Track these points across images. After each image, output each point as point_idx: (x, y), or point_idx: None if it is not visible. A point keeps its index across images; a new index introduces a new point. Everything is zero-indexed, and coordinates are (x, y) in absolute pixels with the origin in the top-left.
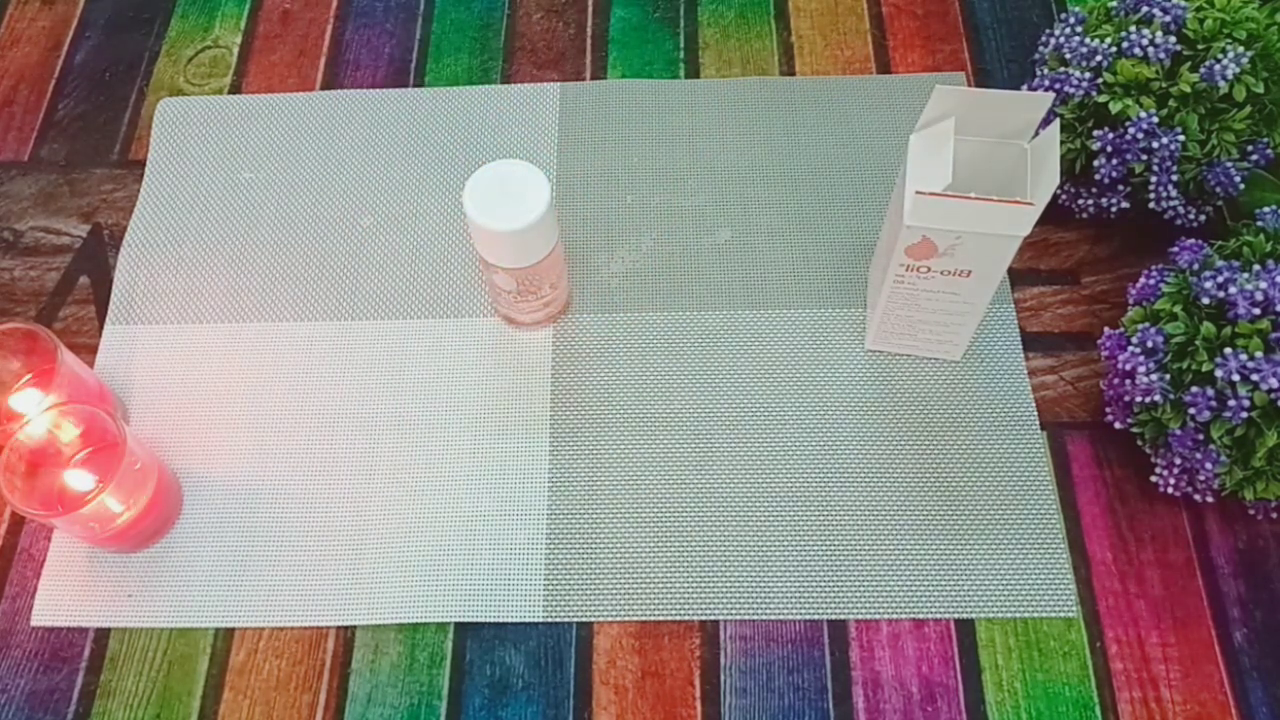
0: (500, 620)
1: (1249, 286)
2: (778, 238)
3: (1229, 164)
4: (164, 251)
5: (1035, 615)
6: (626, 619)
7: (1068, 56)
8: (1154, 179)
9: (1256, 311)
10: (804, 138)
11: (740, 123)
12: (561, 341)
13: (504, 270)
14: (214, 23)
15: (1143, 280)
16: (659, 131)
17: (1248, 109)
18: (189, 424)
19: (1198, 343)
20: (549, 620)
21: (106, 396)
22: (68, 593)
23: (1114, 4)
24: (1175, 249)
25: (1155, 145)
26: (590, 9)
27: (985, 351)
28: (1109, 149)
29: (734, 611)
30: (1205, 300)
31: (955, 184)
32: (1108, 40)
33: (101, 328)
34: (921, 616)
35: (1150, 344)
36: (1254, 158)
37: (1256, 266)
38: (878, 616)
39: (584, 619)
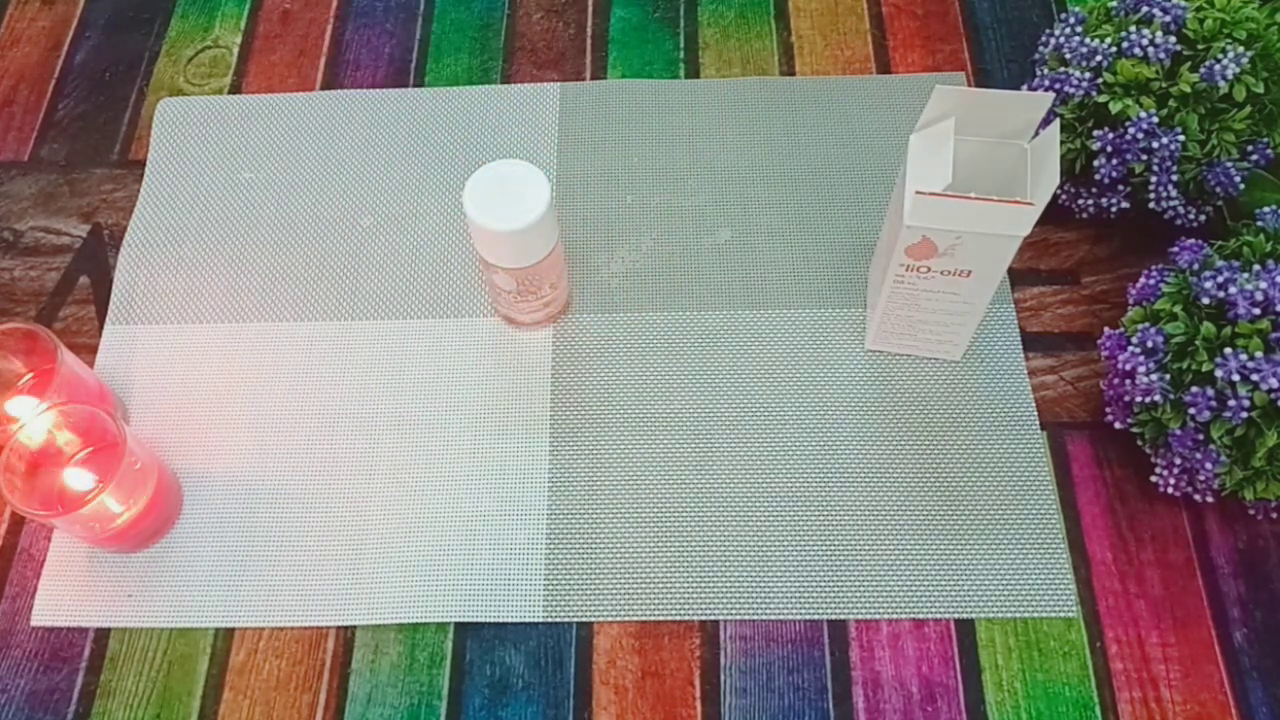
0: (500, 620)
1: (1249, 286)
2: (778, 238)
3: (1229, 164)
4: (164, 251)
5: (1035, 615)
6: (626, 619)
7: (1068, 56)
8: (1154, 179)
9: (1256, 311)
10: (804, 138)
11: (740, 123)
12: (561, 341)
13: (504, 270)
14: (214, 23)
15: (1143, 280)
16: (659, 131)
17: (1248, 109)
18: (189, 424)
19: (1198, 343)
20: (549, 620)
21: (106, 396)
22: (68, 593)
23: (1114, 4)
24: (1175, 249)
25: (1155, 145)
26: (590, 9)
27: (985, 351)
28: (1109, 149)
29: (734, 611)
30: (1205, 300)
31: (955, 184)
32: (1108, 40)
33: (101, 328)
34: (921, 616)
35: (1150, 344)
36: (1254, 158)
37: (1256, 266)
38: (878, 616)
39: (584, 619)
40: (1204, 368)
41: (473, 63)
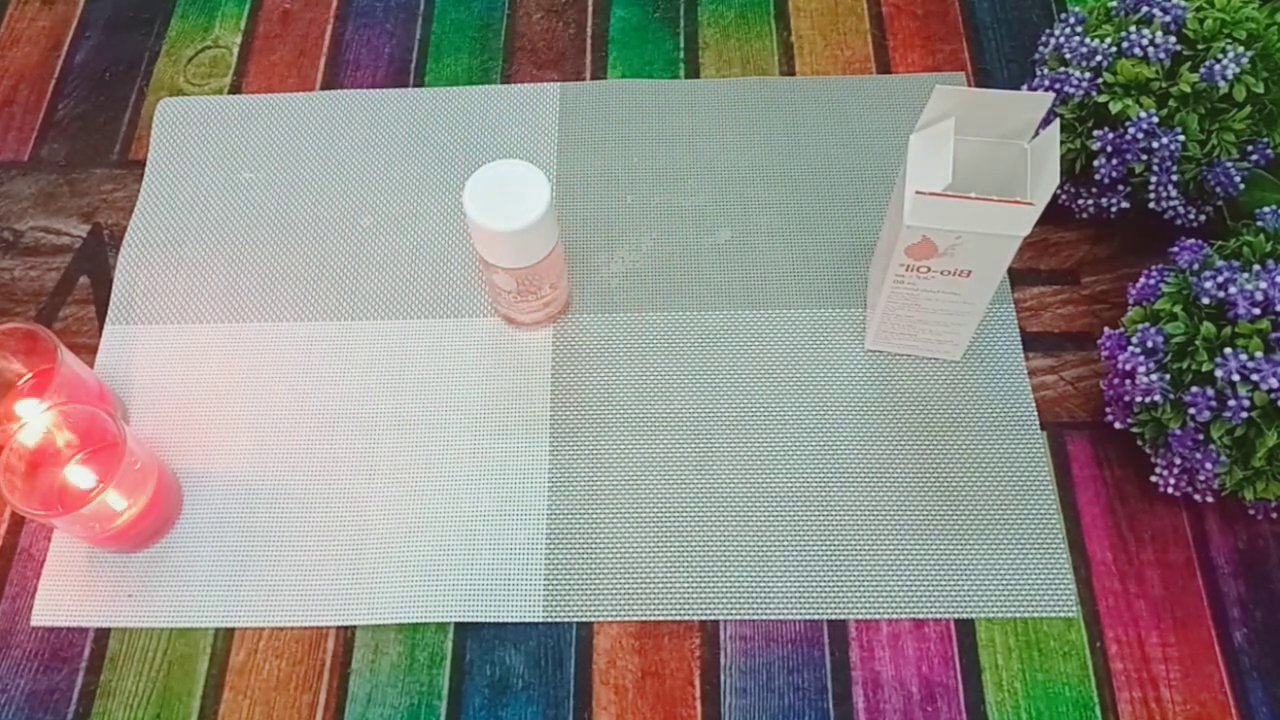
0: (500, 620)
1: (1249, 286)
2: (778, 238)
3: (1229, 164)
4: (164, 251)
5: (1035, 615)
6: (626, 619)
7: (1068, 56)
8: (1154, 179)
9: (1256, 311)
10: (804, 138)
11: (740, 123)
12: (561, 341)
13: (504, 270)
14: (214, 23)
15: (1143, 280)
16: (659, 131)
17: (1248, 109)
18: (189, 424)
19: (1198, 343)
20: (549, 620)
21: (106, 396)
22: (68, 593)
23: (1114, 4)
24: (1175, 249)
25: (1155, 145)
26: (590, 9)
27: (985, 351)
28: (1109, 149)
29: (734, 611)
30: (1205, 300)
31: (955, 184)
32: (1108, 40)
33: (101, 328)
34: (921, 616)
35: (1150, 344)
36: (1254, 158)
37: (1256, 266)
38: (878, 616)
39: (584, 619)
40: (1204, 368)
41: (473, 63)
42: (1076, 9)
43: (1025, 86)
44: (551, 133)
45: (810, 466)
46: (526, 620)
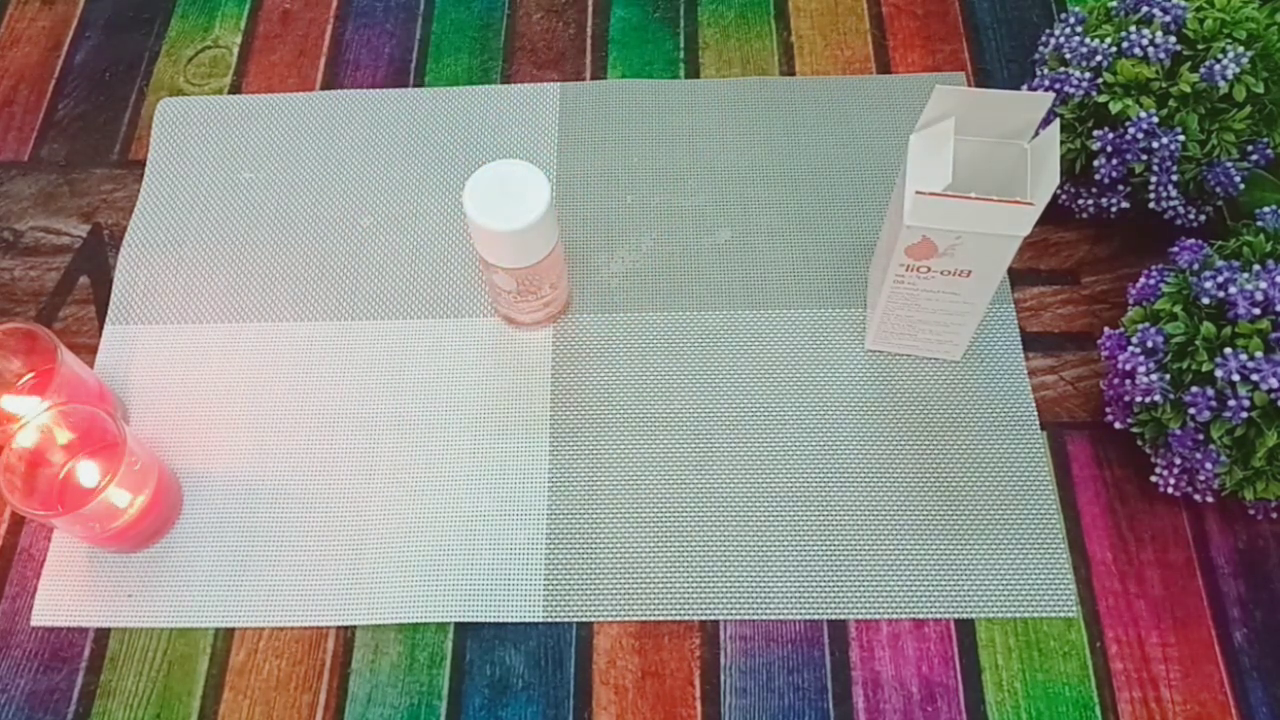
0: (500, 620)
1: (1249, 286)
2: (778, 238)
3: (1229, 164)
4: (164, 251)
5: (1035, 615)
6: (626, 619)
7: (1068, 56)
8: (1154, 179)
9: (1256, 311)
10: (804, 138)
11: (740, 123)
12: (561, 341)
13: (504, 270)
14: (214, 23)
15: (1143, 280)
16: (659, 131)
17: (1248, 109)
18: (189, 424)
19: (1198, 343)
20: (549, 620)
21: (106, 396)
22: (68, 593)
23: (1114, 4)
24: (1175, 249)
25: (1155, 145)
26: (590, 9)
27: (985, 351)
28: (1109, 149)
29: (734, 611)
30: (1205, 300)
31: (955, 184)
32: (1108, 40)
33: (101, 328)
34: (921, 616)
35: (1150, 344)
36: (1254, 158)
37: (1256, 266)
38: (878, 616)
39: (584, 619)
40: (1204, 368)
41: (473, 63)
42: (1076, 9)
43: (1025, 86)
44: (551, 133)
45: (810, 466)
46: (526, 620)
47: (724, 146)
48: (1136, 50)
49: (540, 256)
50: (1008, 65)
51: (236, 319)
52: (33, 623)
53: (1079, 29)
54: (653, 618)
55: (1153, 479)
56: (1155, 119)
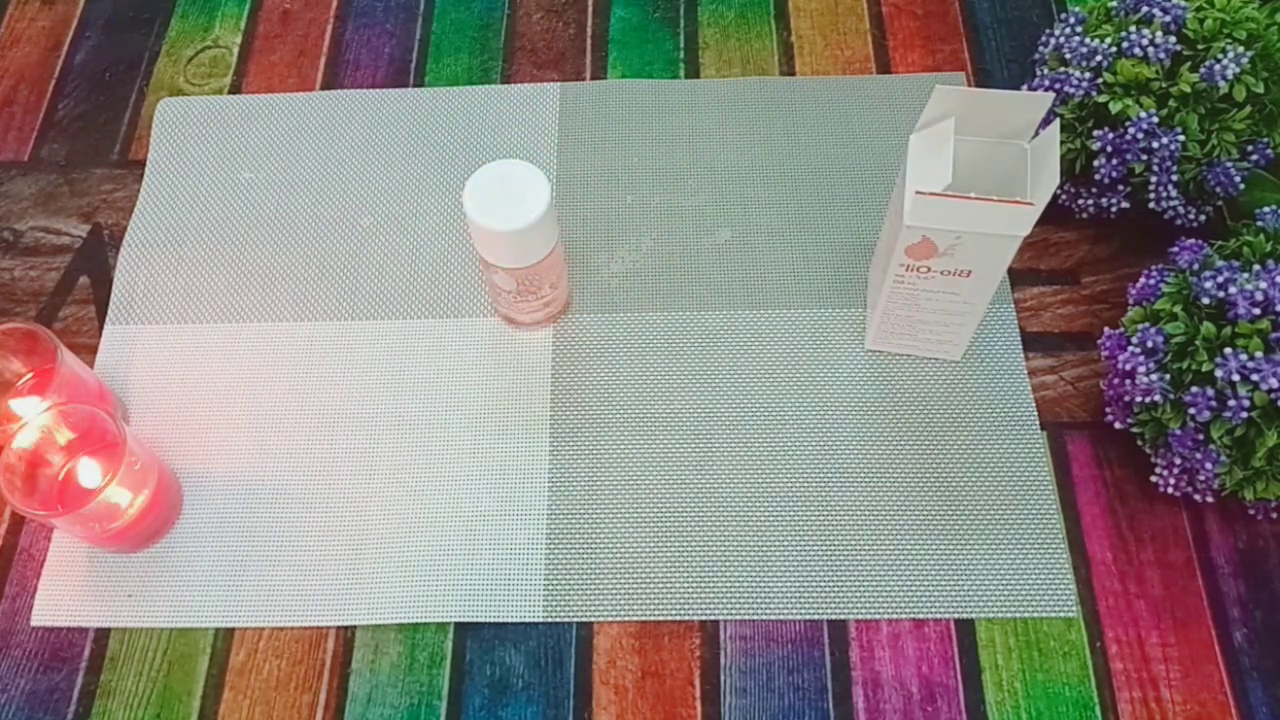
0: (500, 620)
1: (1249, 286)
2: (778, 238)
3: (1229, 164)
4: (164, 251)
5: (1035, 615)
6: (626, 619)
7: (1068, 56)
8: (1154, 179)
9: (1256, 311)
10: (804, 138)
11: (740, 123)
12: (561, 341)
13: (504, 270)
14: (214, 23)
15: (1143, 280)
16: (659, 131)
17: (1248, 109)
18: (189, 424)
19: (1198, 343)
20: (549, 620)
21: (106, 396)
22: (68, 593)
23: (1114, 4)
24: (1175, 249)
25: (1155, 145)
26: (590, 9)
27: (985, 351)
28: (1109, 149)
29: (734, 611)
30: (1205, 300)
31: (955, 184)
32: (1108, 40)
33: (101, 328)
34: (921, 616)
35: (1150, 344)
36: (1254, 158)
37: (1256, 266)
38: (878, 616)
39: (584, 619)
40: (1204, 368)
41: (473, 63)
42: (1076, 9)
43: (1025, 86)
44: (551, 133)
45: (810, 466)
46: (526, 620)
47: (724, 146)
48: (1136, 50)
49: (540, 256)
50: (1008, 65)
51: (236, 319)
52: (33, 623)
53: (1079, 29)
54: (653, 618)
55: (1153, 479)
56: (1155, 119)
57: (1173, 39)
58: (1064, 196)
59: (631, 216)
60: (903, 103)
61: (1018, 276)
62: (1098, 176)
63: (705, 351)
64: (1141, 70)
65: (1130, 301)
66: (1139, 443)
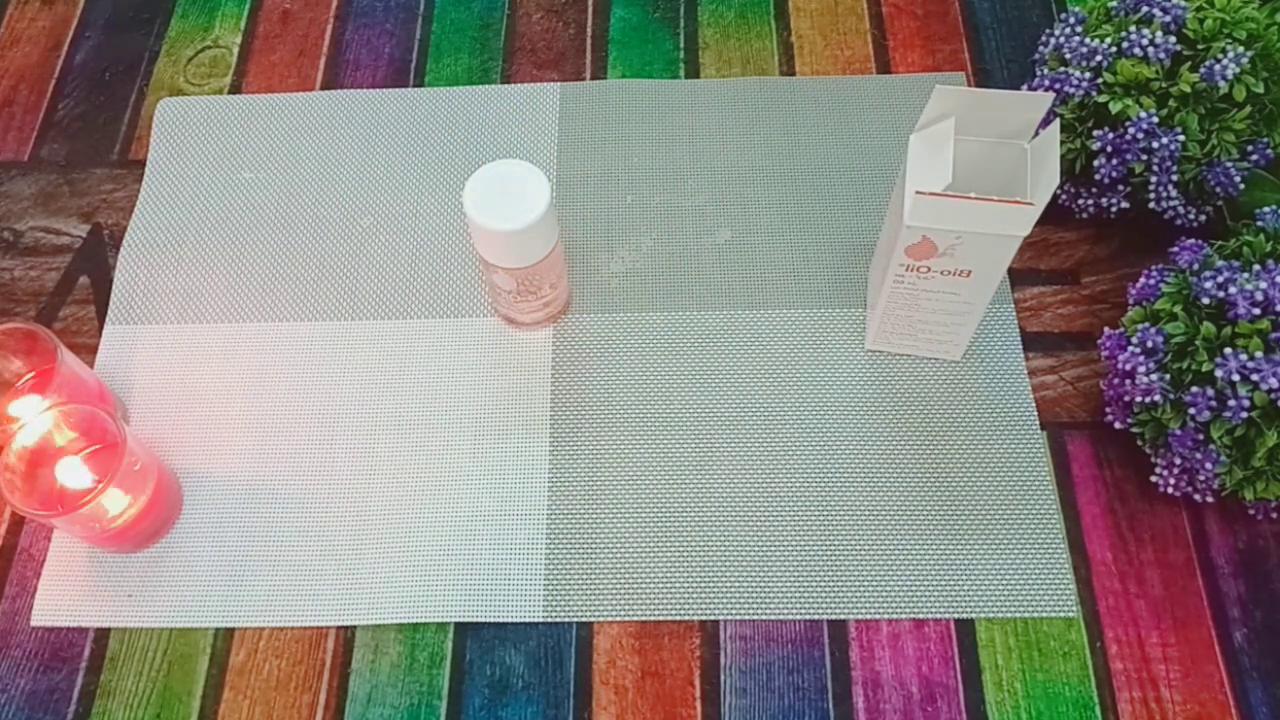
0: (500, 620)
1: (1249, 286)
2: (778, 238)
3: (1229, 164)
4: (164, 251)
5: (1035, 615)
6: (626, 619)
7: (1068, 56)
8: (1154, 179)
9: (1256, 311)
10: (804, 138)
11: (740, 123)
12: (561, 341)
13: (504, 270)
14: (214, 23)
15: (1143, 280)
16: (659, 131)
17: (1248, 109)
18: (189, 424)
19: (1198, 343)
20: (549, 620)
21: (106, 396)
22: (68, 593)
23: (1114, 4)
24: (1175, 249)
25: (1155, 145)
26: (590, 9)
27: (985, 351)
28: (1109, 149)
29: (734, 611)
30: (1205, 300)
31: (955, 184)
32: (1108, 40)
33: (101, 328)
34: (921, 616)
35: (1150, 344)
36: (1254, 158)
37: (1256, 266)
38: (878, 616)
39: (584, 619)
40: (1204, 368)
41: (473, 63)
42: (1076, 9)
43: (1025, 86)
44: (551, 133)
45: (810, 466)
46: (526, 620)
47: (724, 146)
48: (1136, 50)
49: (540, 256)
50: (1008, 65)
51: (236, 319)
52: (33, 623)
53: (1079, 29)
54: (653, 618)
55: (1153, 479)
56: (1155, 119)
57: (1173, 39)
58: (1064, 196)
59: (631, 216)
60: (903, 103)
61: (1018, 276)
62: (1098, 176)
63: (705, 351)
64: (1141, 70)
65: (1130, 301)
66: (1139, 443)
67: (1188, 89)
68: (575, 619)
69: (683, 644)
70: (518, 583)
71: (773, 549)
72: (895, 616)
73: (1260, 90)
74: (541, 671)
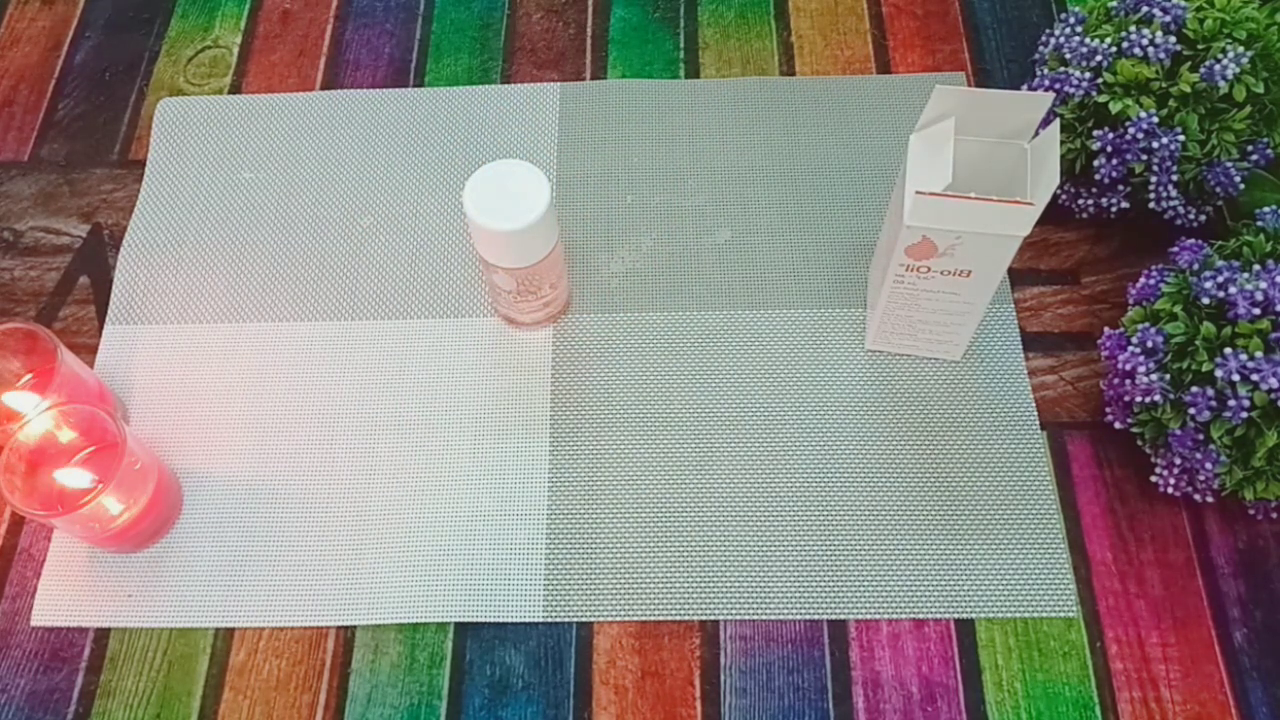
0: (500, 620)
1: (1249, 286)
2: (778, 238)
3: (1229, 164)
4: (164, 251)
5: (1035, 615)
6: (626, 619)
7: (1068, 56)
8: (1154, 179)
9: (1256, 311)
10: (804, 138)
11: (740, 123)
12: (561, 341)
13: (504, 270)
14: (214, 23)
15: (1143, 280)
16: (659, 131)
17: (1248, 109)
18: (189, 424)
19: (1198, 343)
20: (549, 620)
21: (106, 396)
22: (68, 593)
23: (1114, 4)
24: (1175, 249)
25: (1155, 145)
26: (590, 9)
27: (985, 351)
28: (1109, 149)
29: (734, 611)
30: (1205, 300)
31: (955, 184)
32: (1108, 40)
33: (101, 328)
34: (921, 616)
35: (1150, 344)
36: (1254, 158)
37: (1256, 266)
38: (878, 616)
39: (584, 619)
40: (1204, 368)
41: (473, 63)
42: (1076, 9)
43: (1025, 86)
44: (551, 133)
45: (810, 466)
46: (526, 620)
47: (724, 146)
48: (1136, 50)
49: (540, 256)
50: (1008, 65)
51: (236, 319)
52: (33, 623)
53: (1079, 29)
54: (653, 618)
55: (1153, 479)
56: (1155, 119)
57: (1173, 39)
58: (1064, 196)
59: (631, 216)
60: (903, 103)
61: (1018, 276)
62: (1098, 176)
63: (705, 351)
64: (1141, 70)
65: (1130, 301)
66: (1139, 443)
67: (1188, 89)
68: (575, 619)
69: (683, 644)
70: (518, 583)
71: (773, 549)
72: (895, 616)
73: (1260, 90)
74: (541, 671)
